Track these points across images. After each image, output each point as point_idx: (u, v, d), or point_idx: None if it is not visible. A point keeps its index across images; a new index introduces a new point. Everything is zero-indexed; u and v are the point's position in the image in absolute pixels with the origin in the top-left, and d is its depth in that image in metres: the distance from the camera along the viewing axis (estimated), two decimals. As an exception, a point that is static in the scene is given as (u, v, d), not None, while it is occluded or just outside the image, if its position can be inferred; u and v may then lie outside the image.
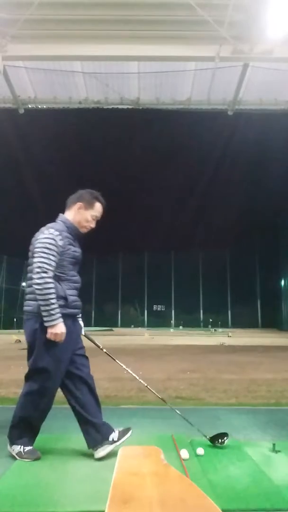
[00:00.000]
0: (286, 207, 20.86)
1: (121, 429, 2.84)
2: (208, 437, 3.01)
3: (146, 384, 3.22)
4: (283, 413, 4.15)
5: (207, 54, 7.77)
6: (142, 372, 5.55)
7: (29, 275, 2.76)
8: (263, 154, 13.48)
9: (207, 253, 32.13)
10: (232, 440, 3.06)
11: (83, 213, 2.91)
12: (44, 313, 2.62)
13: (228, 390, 5.24)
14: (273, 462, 2.75)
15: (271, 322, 30.62)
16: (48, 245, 2.67)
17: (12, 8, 6.99)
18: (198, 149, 13.53)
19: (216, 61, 7.80)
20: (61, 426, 3.26)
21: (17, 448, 2.73)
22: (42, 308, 2.61)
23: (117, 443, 2.73)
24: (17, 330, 23.91)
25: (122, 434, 2.80)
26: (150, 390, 3.24)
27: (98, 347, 3.08)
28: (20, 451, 2.72)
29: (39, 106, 10.20)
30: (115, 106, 10.09)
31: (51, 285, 2.62)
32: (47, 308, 2.60)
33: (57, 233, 2.74)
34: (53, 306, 2.61)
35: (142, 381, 3.20)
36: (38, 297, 2.62)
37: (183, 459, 2.68)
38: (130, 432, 2.84)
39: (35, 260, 2.66)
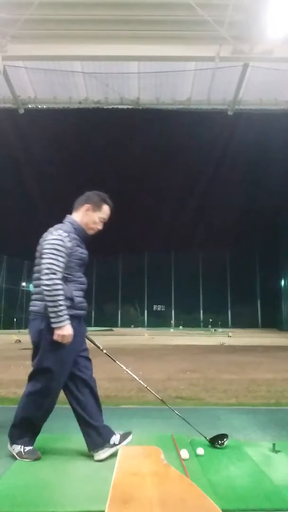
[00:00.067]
0: (286, 207, 20.90)
1: (122, 432, 2.84)
2: (207, 438, 3.01)
3: (146, 385, 3.22)
4: (283, 413, 4.15)
5: (207, 54, 7.77)
6: (142, 372, 5.57)
7: (36, 275, 2.75)
8: (263, 154, 13.50)
9: (207, 253, 32.20)
10: (232, 440, 3.06)
11: (90, 215, 2.90)
12: (52, 314, 2.60)
13: (228, 390, 5.24)
14: (273, 462, 2.75)
15: (271, 322, 30.68)
16: (57, 246, 2.65)
17: (12, 8, 6.99)
18: (198, 149, 13.54)
19: (216, 61, 7.80)
20: (61, 426, 3.26)
21: (17, 448, 2.74)
22: (50, 309, 2.60)
23: (118, 447, 2.72)
24: (17, 330, 23.93)
25: (123, 437, 2.81)
26: (149, 391, 3.24)
27: (98, 348, 3.07)
28: (20, 451, 2.72)
29: (39, 106, 10.18)
30: (115, 106, 10.08)
31: (60, 287, 2.61)
32: (55, 309, 2.59)
33: (66, 234, 2.73)
34: (61, 308, 2.60)
35: (141, 382, 3.20)
36: (46, 298, 2.60)
37: (183, 459, 2.68)
38: (130, 436, 2.84)
39: (44, 261, 2.64)
